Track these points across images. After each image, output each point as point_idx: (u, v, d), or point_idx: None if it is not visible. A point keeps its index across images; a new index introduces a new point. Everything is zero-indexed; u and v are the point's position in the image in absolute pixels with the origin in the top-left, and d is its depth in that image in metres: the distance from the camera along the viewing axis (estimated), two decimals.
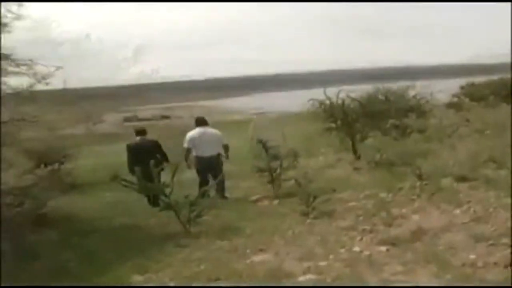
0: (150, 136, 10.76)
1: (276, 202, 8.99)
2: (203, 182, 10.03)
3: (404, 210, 7.29)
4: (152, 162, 7.64)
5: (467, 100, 22.84)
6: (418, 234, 6.15)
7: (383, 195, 8.33)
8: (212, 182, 9.93)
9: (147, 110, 57.85)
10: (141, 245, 7.04)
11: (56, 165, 13.90)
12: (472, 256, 5.27)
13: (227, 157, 10.48)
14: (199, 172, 10.25)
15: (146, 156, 8.66)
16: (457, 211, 6.86)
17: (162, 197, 7.60)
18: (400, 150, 11.02)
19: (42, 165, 14.07)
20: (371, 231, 6.51)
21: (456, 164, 9.10)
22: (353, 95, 13.53)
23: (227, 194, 10.11)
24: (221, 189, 10.10)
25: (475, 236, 5.77)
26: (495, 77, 25.31)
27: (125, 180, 7.68)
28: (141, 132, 10.36)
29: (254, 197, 9.47)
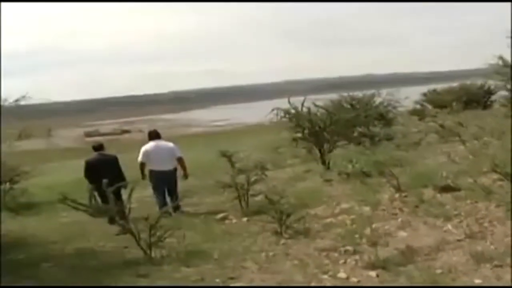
0: (111, 151, 10.24)
1: (244, 219, 8.07)
2: (161, 199, 9.60)
3: (387, 226, 6.50)
4: (104, 181, 6.68)
5: (430, 107, 22.55)
6: (409, 254, 5.36)
7: (360, 209, 7.54)
8: (168, 197, 9.52)
9: (108, 125, 56.58)
10: (97, 276, 6.06)
11: (6, 185, 12.85)
12: (478, 281, 4.50)
13: (186, 176, 9.93)
14: (155, 187, 9.78)
15: (105, 172, 8.26)
16: (449, 226, 6.09)
17: (118, 220, 6.63)
18: (372, 159, 10.25)
19: None
20: (354, 252, 5.69)
21: (435, 173, 8.39)
22: (318, 103, 12.82)
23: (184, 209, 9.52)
24: (175, 203, 9.40)
25: (475, 256, 5.00)
26: (455, 83, 25.09)
27: (74, 201, 6.65)
28: (99, 147, 9.65)
29: (220, 215, 8.49)
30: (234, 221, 8.16)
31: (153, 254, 6.43)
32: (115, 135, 52.37)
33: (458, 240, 5.58)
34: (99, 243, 7.56)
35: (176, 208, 9.20)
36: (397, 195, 7.83)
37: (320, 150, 12.09)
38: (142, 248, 6.47)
